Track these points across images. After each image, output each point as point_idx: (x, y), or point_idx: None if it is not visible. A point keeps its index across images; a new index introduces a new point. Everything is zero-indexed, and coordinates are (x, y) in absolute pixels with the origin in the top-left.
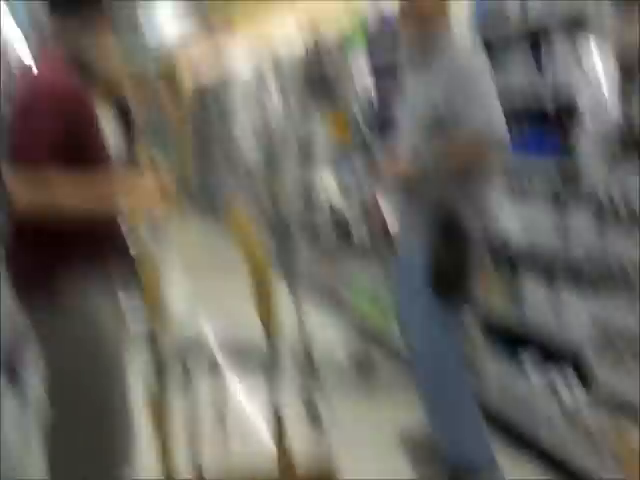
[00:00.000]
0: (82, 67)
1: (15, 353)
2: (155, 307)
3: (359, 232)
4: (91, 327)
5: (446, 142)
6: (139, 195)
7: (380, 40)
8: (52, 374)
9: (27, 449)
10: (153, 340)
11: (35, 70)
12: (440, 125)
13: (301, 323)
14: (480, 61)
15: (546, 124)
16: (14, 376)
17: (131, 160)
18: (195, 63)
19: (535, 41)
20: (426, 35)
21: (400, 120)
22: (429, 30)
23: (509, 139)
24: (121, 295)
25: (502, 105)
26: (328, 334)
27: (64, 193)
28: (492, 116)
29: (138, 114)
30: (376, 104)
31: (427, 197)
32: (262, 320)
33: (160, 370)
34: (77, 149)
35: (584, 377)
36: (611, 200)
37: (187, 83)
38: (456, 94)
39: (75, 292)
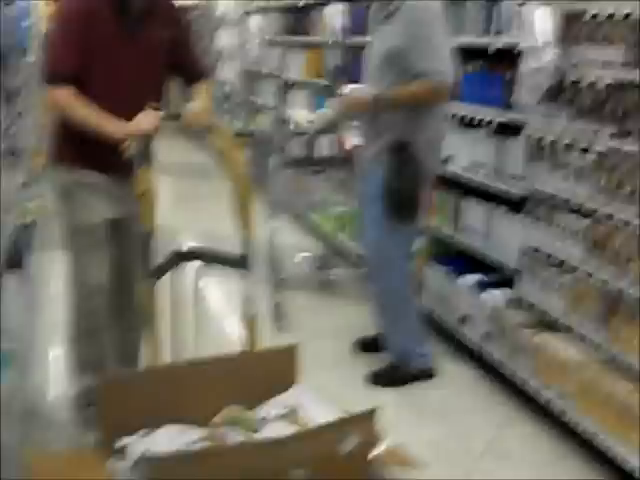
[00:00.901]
0: None
1: (21, 241)
2: (150, 209)
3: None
4: (67, 193)
5: (398, 78)
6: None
7: None
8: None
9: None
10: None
11: None
12: (394, 63)
13: (272, 233)
14: (434, 12)
15: (491, 71)
16: (19, 260)
17: None
18: None
19: None
20: None
21: (365, 63)
22: None
23: (454, 79)
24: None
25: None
26: (294, 244)
27: (77, 112)
28: (439, 58)
29: None
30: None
31: (382, 128)
32: (240, 224)
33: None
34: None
35: (509, 286)
36: (540, 139)
37: None
38: (410, 38)
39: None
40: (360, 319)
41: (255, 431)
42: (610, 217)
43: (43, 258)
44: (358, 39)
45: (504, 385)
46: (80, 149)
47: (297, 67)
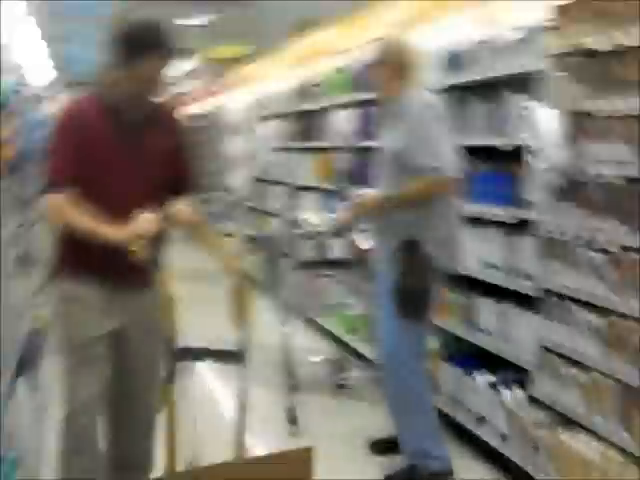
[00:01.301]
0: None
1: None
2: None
3: (339, 254)
4: (62, 307)
5: (404, 178)
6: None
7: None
8: None
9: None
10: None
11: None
12: (401, 163)
13: (285, 337)
14: (434, 110)
15: (499, 171)
16: (30, 366)
17: None
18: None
19: (491, 94)
20: (387, 97)
21: (376, 166)
22: (387, 94)
23: (457, 174)
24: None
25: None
26: (307, 347)
27: (74, 219)
28: (436, 155)
29: None
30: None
31: (392, 228)
32: (234, 317)
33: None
34: (89, 163)
35: (526, 386)
36: (552, 237)
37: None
38: (412, 138)
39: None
40: (375, 421)
41: None
42: (626, 315)
43: (53, 363)
44: (367, 143)
45: None
46: (80, 257)
47: (307, 171)
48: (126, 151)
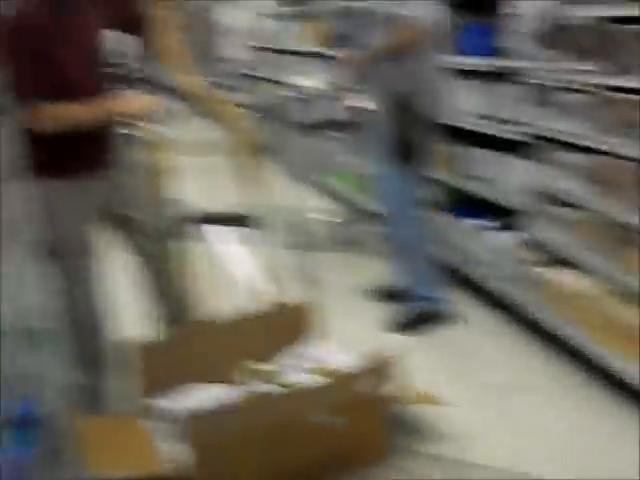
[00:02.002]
0: None
1: None
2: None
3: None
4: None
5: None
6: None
7: None
8: None
9: None
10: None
11: None
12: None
13: (296, 196)
14: None
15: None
16: None
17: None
18: None
19: None
20: None
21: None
22: None
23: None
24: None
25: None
26: (315, 207)
27: (61, 114)
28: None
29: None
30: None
31: (381, 84)
32: (247, 184)
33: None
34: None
35: (520, 229)
36: (540, 83)
37: None
38: None
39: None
40: (385, 272)
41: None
42: (609, 154)
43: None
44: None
45: (528, 328)
46: (56, 154)
47: (299, 37)
48: (67, 23)
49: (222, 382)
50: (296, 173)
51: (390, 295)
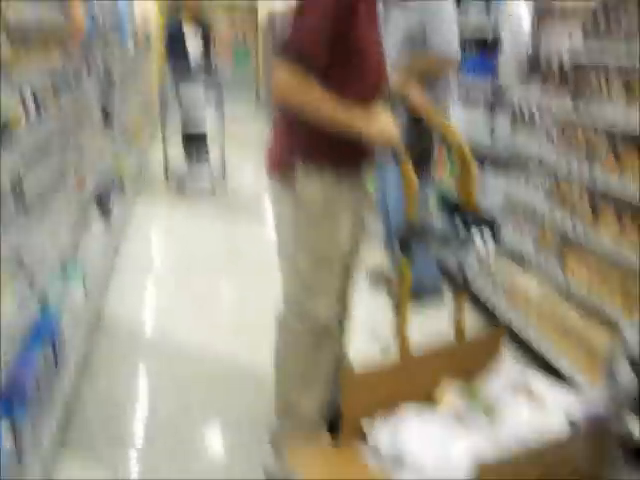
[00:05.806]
0: None
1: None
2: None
3: None
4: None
5: (415, 57)
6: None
7: None
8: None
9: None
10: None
11: None
12: (412, 43)
13: None
14: None
15: (485, 52)
16: (105, 209)
17: (208, 68)
18: None
19: None
20: None
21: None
22: None
23: (460, 58)
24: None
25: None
26: None
27: (317, 100)
28: (451, 39)
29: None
30: None
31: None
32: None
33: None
34: (344, 46)
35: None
36: (521, 108)
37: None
38: (427, 20)
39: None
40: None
41: (488, 406)
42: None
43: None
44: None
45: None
46: (336, 144)
47: None
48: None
49: (425, 401)
50: None
51: (388, 280)
